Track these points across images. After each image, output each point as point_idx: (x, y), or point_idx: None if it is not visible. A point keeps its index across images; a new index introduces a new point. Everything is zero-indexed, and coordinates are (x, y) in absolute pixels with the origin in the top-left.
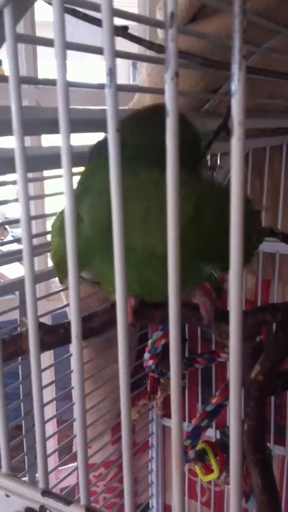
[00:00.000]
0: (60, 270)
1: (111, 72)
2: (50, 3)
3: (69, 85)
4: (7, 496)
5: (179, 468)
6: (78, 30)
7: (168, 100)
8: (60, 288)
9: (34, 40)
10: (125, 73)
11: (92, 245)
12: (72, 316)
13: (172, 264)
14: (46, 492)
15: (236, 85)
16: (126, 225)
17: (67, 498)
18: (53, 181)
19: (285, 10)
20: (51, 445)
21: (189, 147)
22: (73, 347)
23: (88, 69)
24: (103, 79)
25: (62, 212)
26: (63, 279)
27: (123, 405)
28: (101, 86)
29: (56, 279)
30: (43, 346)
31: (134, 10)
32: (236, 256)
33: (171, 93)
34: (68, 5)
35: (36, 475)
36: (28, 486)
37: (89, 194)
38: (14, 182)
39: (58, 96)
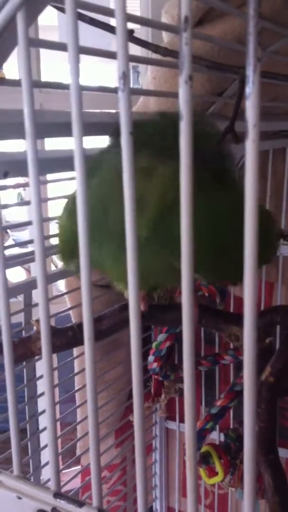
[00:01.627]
0: (64, 252)
1: (125, 76)
2: (61, 8)
3: (82, 89)
4: (19, 498)
5: (193, 469)
6: (83, 34)
7: (182, 103)
8: (64, 292)
9: (46, 45)
10: None
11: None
12: (85, 316)
13: (186, 263)
14: (58, 494)
15: (251, 88)
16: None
17: (80, 500)
18: (56, 184)
19: None
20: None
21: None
22: (86, 349)
23: (90, 68)
24: (103, 81)
25: (73, 194)
26: (67, 261)
27: (136, 404)
28: (114, 90)
29: (59, 282)
30: (52, 349)
31: (136, 13)
32: (251, 260)
33: (185, 96)
34: (81, 11)
35: (41, 477)
36: (39, 488)
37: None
38: (14, 186)
39: (71, 100)
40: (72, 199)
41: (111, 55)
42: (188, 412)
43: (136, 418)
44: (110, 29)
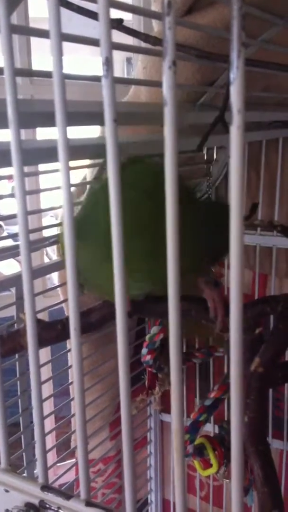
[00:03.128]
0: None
1: (108, 62)
2: None
3: (65, 77)
4: (7, 491)
5: (180, 460)
6: (73, 24)
7: (166, 89)
8: (57, 284)
9: (29, 31)
10: (119, 68)
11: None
12: (71, 309)
13: (171, 254)
14: (46, 487)
15: (235, 73)
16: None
17: (67, 492)
18: (49, 175)
19: (281, 1)
20: (49, 441)
21: None
22: (72, 340)
23: (82, 63)
24: (97, 73)
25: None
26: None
27: (123, 393)
28: (97, 78)
29: (52, 275)
30: (41, 342)
31: (129, 2)
32: (237, 248)
33: (169, 82)
34: None
35: (35, 471)
36: (27, 481)
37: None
38: (8, 177)
39: (54, 88)
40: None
41: (94, 42)
42: (174, 405)
43: (123, 409)
44: (96, 16)
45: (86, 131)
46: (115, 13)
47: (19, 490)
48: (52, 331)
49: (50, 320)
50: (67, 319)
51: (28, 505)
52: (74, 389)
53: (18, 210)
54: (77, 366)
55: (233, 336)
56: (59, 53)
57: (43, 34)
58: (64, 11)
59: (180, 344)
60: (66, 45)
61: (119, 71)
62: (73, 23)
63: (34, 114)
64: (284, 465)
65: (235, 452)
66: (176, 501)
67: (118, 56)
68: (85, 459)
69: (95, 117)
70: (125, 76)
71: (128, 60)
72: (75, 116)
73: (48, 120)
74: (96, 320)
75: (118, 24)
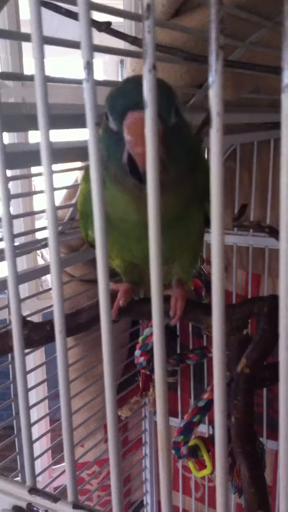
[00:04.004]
0: (82, 217)
1: (89, 66)
2: None
3: (47, 80)
4: None
5: (166, 460)
6: (64, 27)
7: (147, 92)
8: (50, 287)
9: (13, 36)
10: (113, 70)
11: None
12: (55, 312)
13: (154, 255)
14: (33, 490)
15: (213, 76)
16: None
17: (55, 495)
18: (41, 178)
19: (268, 3)
20: (44, 444)
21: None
22: (57, 341)
23: (75, 65)
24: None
25: None
26: (84, 227)
27: (108, 387)
28: (80, 82)
29: (47, 276)
30: (30, 343)
31: (120, 6)
32: (217, 241)
33: (150, 85)
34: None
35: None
36: (15, 484)
37: None
38: None
39: (36, 90)
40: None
41: (75, 45)
42: (159, 405)
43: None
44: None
45: (80, 133)
46: (105, 17)
47: (7, 493)
48: (41, 332)
49: (39, 321)
50: None
51: (16, 508)
52: (60, 393)
53: (2, 214)
54: (63, 368)
55: (216, 336)
56: (41, 56)
57: (26, 38)
58: (56, 15)
59: (163, 343)
60: (60, 47)
61: (113, 72)
62: (64, 25)
63: (23, 117)
64: (279, 466)
65: (219, 450)
66: (162, 502)
67: (113, 59)
68: (72, 461)
69: (82, 120)
70: (119, 77)
71: (122, 62)
72: (62, 119)
73: (36, 123)
74: (85, 321)
75: (106, 27)
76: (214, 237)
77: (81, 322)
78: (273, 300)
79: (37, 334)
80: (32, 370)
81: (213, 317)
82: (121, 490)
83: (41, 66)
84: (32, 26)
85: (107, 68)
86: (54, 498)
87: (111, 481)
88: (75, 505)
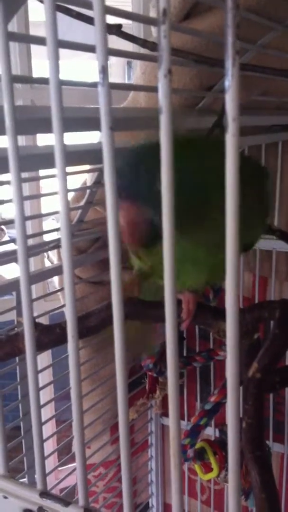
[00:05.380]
0: None
1: (104, 70)
2: (42, 1)
3: (61, 83)
4: (5, 498)
5: (177, 466)
6: (73, 29)
7: (162, 97)
8: (58, 288)
9: (26, 39)
10: (120, 71)
11: None
12: (68, 317)
13: (168, 259)
14: (44, 494)
15: (230, 81)
16: None
17: (66, 499)
18: (49, 180)
19: (278, 6)
20: (50, 445)
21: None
22: (69, 346)
23: (82, 68)
24: (96, 77)
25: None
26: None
27: (120, 393)
28: (94, 84)
29: (54, 278)
30: (40, 346)
31: (128, 8)
32: (232, 251)
33: (165, 90)
34: (60, 3)
35: (36, 476)
36: (26, 487)
37: None
38: (10, 182)
39: (51, 94)
40: None
41: (90, 48)
42: (172, 410)
43: (120, 411)
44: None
45: (88, 136)
46: (114, 19)
47: (17, 497)
48: (51, 335)
49: (49, 324)
50: (66, 322)
51: None
52: (72, 396)
53: (15, 216)
54: (75, 374)
55: (230, 341)
56: (56, 60)
57: (40, 41)
58: (65, 17)
59: (176, 349)
60: (68, 49)
61: (120, 74)
62: (73, 27)
63: (33, 120)
64: (285, 469)
65: (232, 456)
66: (173, 507)
67: (119, 60)
68: (83, 465)
69: (93, 123)
70: (126, 79)
71: (129, 64)
72: (73, 122)
73: (47, 126)
74: (95, 324)
75: (116, 30)
76: (229, 242)
77: (90, 326)
78: (285, 305)
79: (47, 336)
80: (39, 371)
81: (227, 323)
82: (131, 492)
83: (56, 69)
84: (47, 29)
85: (114, 70)
86: (65, 502)
87: (122, 485)
88: (86, 509)
